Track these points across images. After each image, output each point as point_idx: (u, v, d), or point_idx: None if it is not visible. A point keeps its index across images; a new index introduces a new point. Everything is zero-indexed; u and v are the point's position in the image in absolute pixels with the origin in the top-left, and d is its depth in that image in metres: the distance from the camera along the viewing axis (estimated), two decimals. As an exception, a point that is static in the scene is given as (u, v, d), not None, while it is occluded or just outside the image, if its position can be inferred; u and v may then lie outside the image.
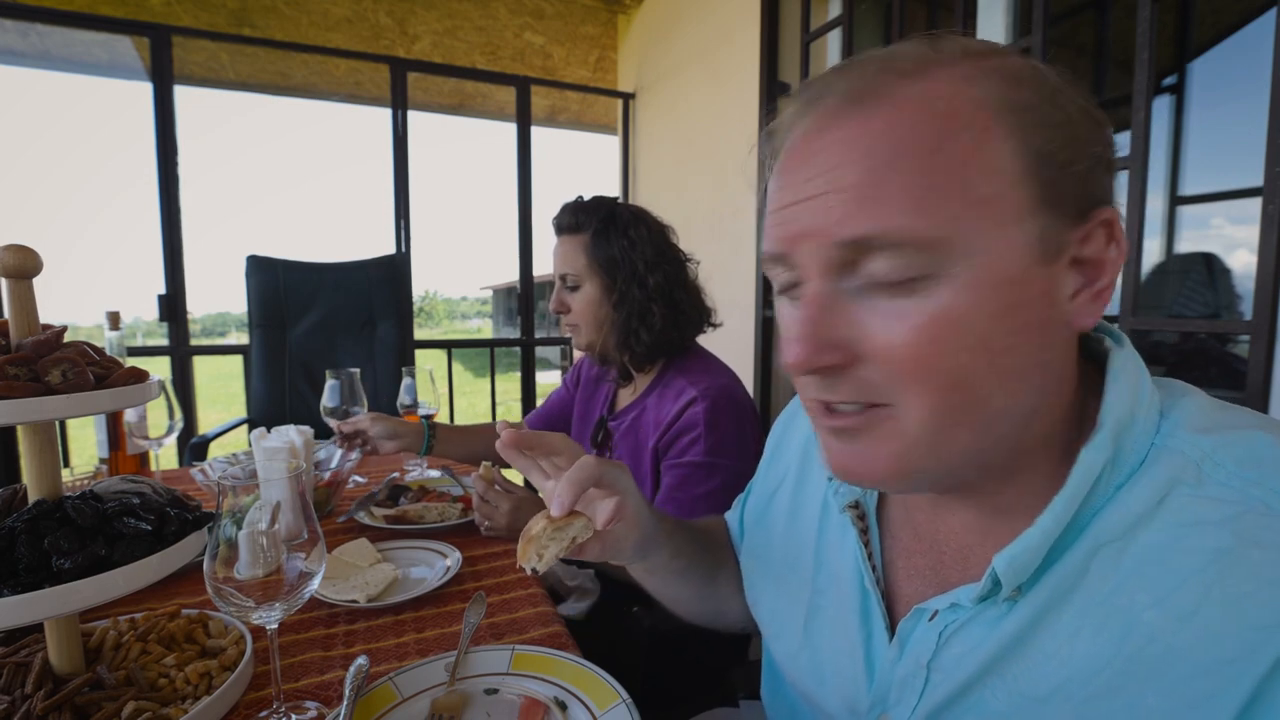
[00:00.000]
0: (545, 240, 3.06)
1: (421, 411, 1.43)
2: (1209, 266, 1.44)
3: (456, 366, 2.88)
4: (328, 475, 1.11)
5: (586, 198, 1.22)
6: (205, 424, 2.31)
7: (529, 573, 0.49)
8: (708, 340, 1.23)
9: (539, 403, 1.56)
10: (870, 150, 0.35)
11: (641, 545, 0.58)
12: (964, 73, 0.36)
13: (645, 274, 1.16)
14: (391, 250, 2.67)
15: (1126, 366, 0.40)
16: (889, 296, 0.36)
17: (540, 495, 0.61)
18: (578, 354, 1.36)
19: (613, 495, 0.54)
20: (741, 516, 0.72)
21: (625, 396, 1.27)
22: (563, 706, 0.60)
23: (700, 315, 1.21)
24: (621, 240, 1.17)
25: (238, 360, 2.46)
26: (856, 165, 0.36)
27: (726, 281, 2.35)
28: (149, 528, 0.57)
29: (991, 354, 0.36)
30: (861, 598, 0.50)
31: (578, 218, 1.18)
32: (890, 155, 0.35)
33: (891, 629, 0.48)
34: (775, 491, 0.65)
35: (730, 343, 2.29)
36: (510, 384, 3.20)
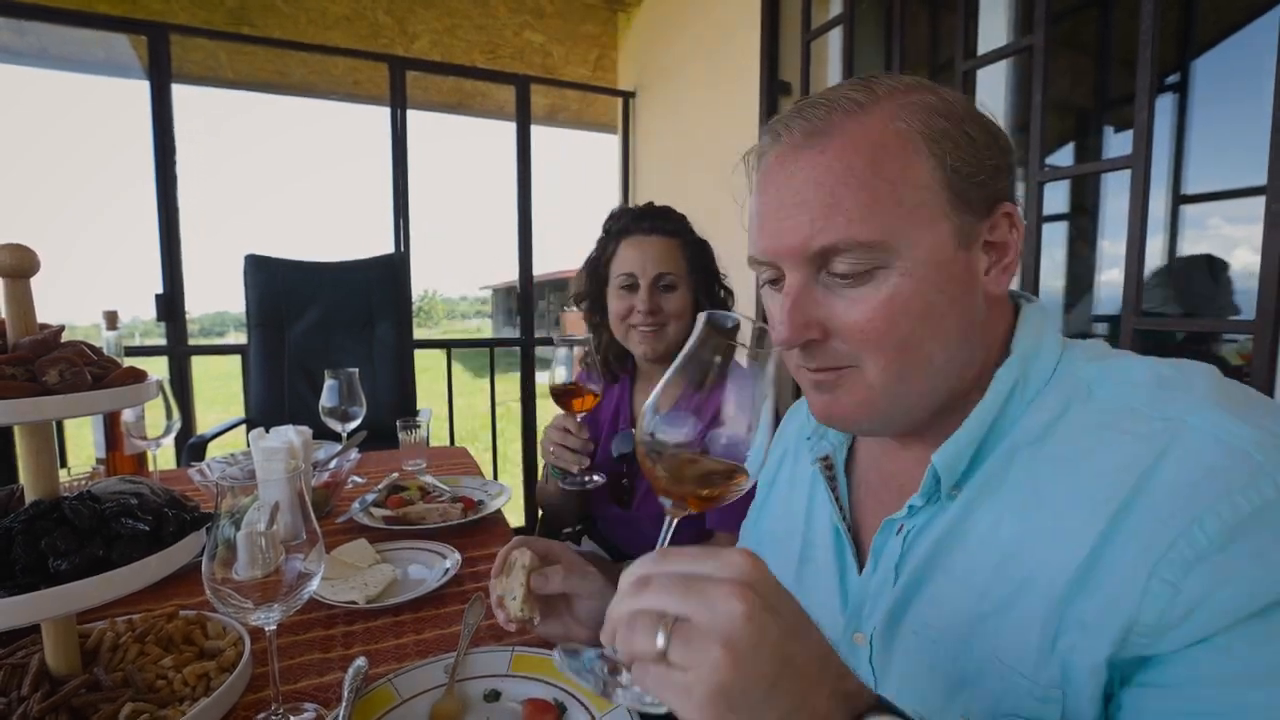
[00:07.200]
0: (544, 240, 3.05)
1: (422, 418, 1.42)
2: (1211, 267, 1.44)
3: (456, 366, 2.87)
4: (327, 475, 1.11)
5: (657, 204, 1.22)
6: (203, 424, 2.29)
7: (535, 624, 0.62)
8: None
9: (538, 403, 1.54)
10: (825, 179, 0.47)
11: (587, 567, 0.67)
12: (893, 110, 0.47)
13: (720, 292, 1.21)
14: (390, 250, 2.66)
15: (1032, 314, 0.53)
16: (850, 286, 0.48)
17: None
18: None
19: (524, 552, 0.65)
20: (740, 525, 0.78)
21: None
22: (562, 709, 0.60)
23: None
24: (707, 255, 1.20)
25: (236, 360, 2.45)
26: (817, 191, 0.47)
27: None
28: (147, 528, 0.57)
29: (929, 322, 0.47)
30: (835, 536, 0.59)
31: (671, 222, 1.18)
32: (841, 181, 0.46)
33: (860, 560, 0.57)
34: (776, 474, 0.73)
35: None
36: (510, 384, 3.19)
